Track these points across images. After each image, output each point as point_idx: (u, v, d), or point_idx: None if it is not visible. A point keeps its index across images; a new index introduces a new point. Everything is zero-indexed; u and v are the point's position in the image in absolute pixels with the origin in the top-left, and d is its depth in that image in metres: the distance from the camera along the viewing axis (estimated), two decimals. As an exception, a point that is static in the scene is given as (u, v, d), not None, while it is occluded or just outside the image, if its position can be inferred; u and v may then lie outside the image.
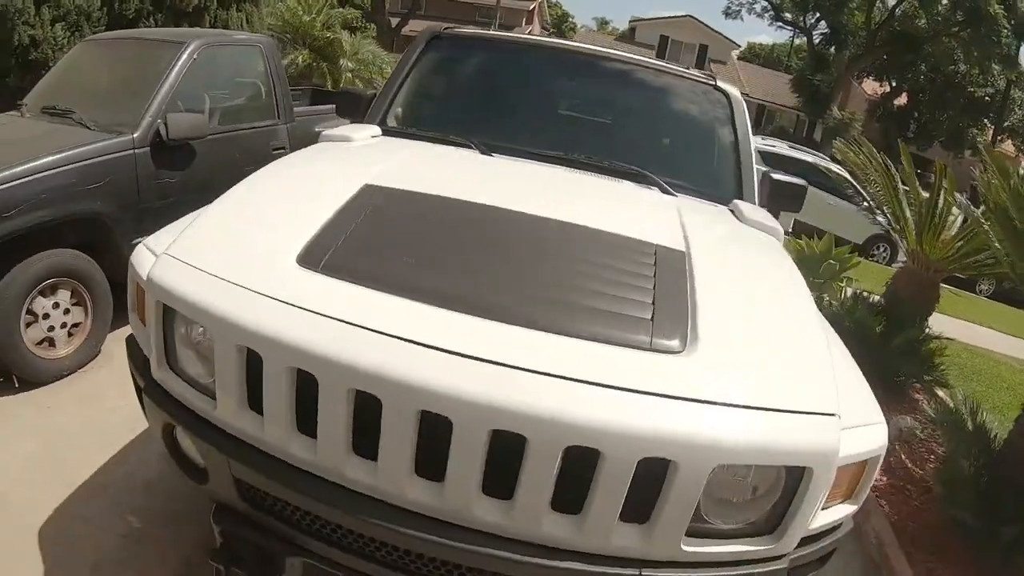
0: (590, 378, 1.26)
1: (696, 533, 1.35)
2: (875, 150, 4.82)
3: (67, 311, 3.22)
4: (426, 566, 1.41)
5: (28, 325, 3.04)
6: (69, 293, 3.22)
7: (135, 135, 3.48)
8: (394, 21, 24.60)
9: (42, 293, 3.09)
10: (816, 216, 8.61)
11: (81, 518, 2.28)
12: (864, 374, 1.64)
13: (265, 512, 1.53)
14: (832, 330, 1.95)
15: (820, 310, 4.34)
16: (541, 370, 1.26)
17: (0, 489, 2.37)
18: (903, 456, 3.62)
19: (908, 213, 4.42)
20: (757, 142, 11.35)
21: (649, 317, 1.47)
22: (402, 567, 1.42)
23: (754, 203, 2.44)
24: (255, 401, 1.39)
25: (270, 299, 1.39)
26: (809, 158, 11.65)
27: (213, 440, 1.48)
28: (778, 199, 2.55)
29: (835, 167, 9.87)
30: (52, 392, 3.07)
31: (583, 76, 2.89)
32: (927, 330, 4.45)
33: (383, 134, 2.64)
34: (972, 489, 2.80)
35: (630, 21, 37.16)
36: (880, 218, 4.88)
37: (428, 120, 2.88)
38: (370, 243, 1.62)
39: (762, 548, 1.40)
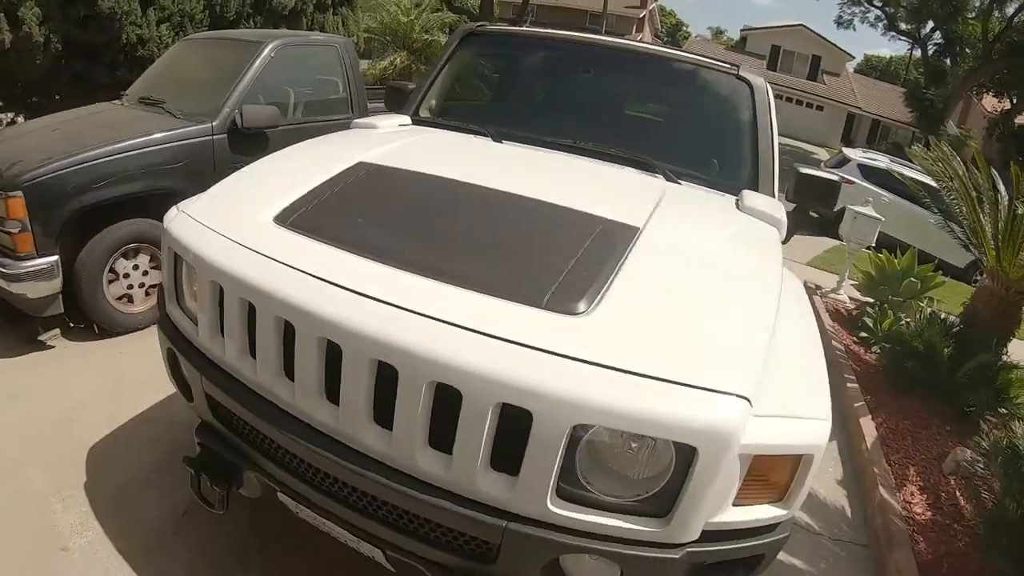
0: (468, 324, 1.33)
1: (573, 498, 1.33)
2: (952, 152, 4.44)
3: (145, 273, 3.65)
4: (333, 485, 1.56)
5: (110, 282, 3.49)
6: (148, 257, 3.64)
7: (214, 123, 3.90)
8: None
9: (124, 255, 3.53)
10: (917, 236, 8.03)
11: (124, 444, 2.66)
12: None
13: (232, 430, 1.76)
14: (815, 332, 1.85)
15: (895, 330, 4.01)
16: (427, 313, 1.36)
17: (69, 410, 2.84)
18: (957, 492, 3.35)
19: (986, 225, 4.04)
20: (857, 155, 10.63)
21: (557, 280, 1.50)
22: (315, 484, 1.59)
23: (772, 195, 2.36)
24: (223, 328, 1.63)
25: (240, 246, 1.63)
26: (911, 173, 10.83)
27: (194, 360, 1.74)
28: (807, 195, 2.46)
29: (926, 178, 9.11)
30: (125, 341, 3.51)
31: (604, 68, 2.92)
32: (1005, 357, 4.06)
33: (413, 123, 2.82)
34: (1017, 535, 2.55)
35: (741, 31, 35.79)
36: (957, 231, 4.49)
37: (455, 110, 3.03)
38: (335, 207, 1.82)
39: (648, 529, 1.33)
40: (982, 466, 3.51)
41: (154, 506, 2.31)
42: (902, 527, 2.76)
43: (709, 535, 1.38)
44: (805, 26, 30.50)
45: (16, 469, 2.44)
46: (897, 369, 4.22)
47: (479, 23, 3.23)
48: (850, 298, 5.85)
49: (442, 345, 1.30)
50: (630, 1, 37.72)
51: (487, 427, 1.28)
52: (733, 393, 1.27)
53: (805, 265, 7.52)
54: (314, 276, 1.48)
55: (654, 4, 39.27)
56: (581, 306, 1.42)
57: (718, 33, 59.06)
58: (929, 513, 3.10)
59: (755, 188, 2.39)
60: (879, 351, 4.63)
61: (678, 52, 2.91)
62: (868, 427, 3.53)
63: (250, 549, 2.18)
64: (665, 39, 40.97)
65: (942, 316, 4.54)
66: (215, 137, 3.91)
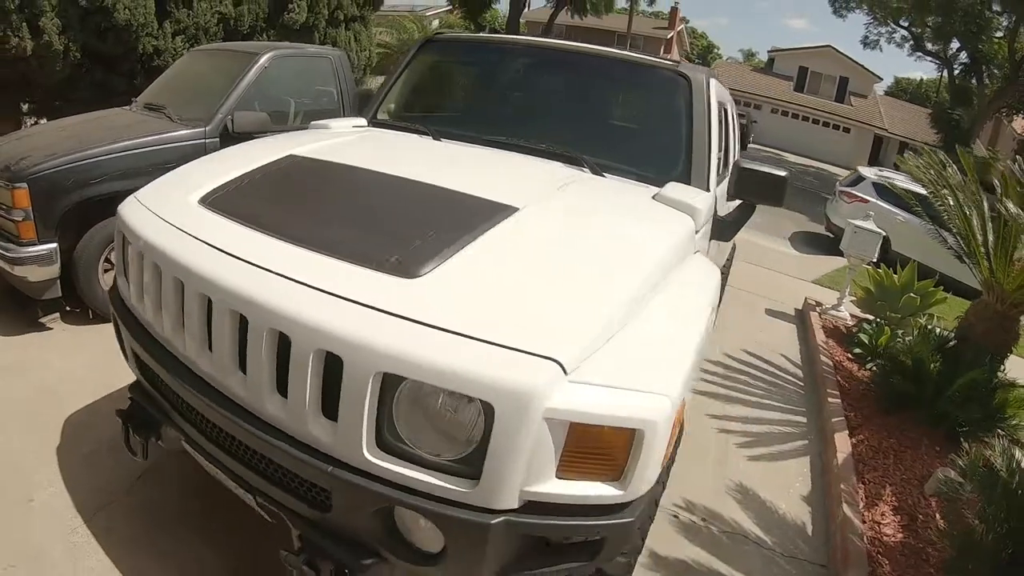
0: (309, 282, 1.47)
1: (394, 451, 1.37)
2: (941, 155, 4.34)
3: (138, 263, 3.84)
4: (212, 431, 1.70)
5: (106, 271, 3.69)
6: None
7: (207, 128, 4.11)
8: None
9: (120, 247, 3.71)
10: (935, 257, 7.77)
11: (101, 414, 2.86)
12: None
13: (153, 386, 1.93)
14: (700, 317, 1.79)
15: (889, 347, 3.85)
16: (279, 271, 1.51)
17: (55, 382, 3.10)
18: (937, 514, 3.23)
19: (977, 232, 3.88)
20: (871, 174, 10.42)
21: (408, 248, 1.59)
22: (203, 431, 1.74)
23: (704, 187, 2.36)
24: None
25: (164, 221, 1.83)
26: (904, 184, 10.52)
27: (127, 322, 1.91)
28: (751, 189, 2.44)
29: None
30: (116, 326, 3.68)
31: (546, 69, 3.03)
32: (1001, 373, 3.91)
33: (369, 125, 2.97)
34: (987, 561, 2.44)
35: (768, 52, 35.59)
36: (950, 240, 4.37)
37: (409, 112, 3.16)
38: (252, 191, 2.02)
39: (460, 489, 1.32)
40: (966, 487, 3.38)
41: (116, 469, 2.52)
42: (860, 547, 2.66)
43: (534, 507, 1.35)
44: (833, 47, 30.17)
45: (-2, 431, 2.68)
46: (886, 386, 4.12)
47: (437, 31, 3.36)
48: (851, 315, 5.72)
49: (279, 296, 1.44)
50: (658, 23, 38.01)
51: (310, 372, 1.37)
52: (541, 355, 1.28)
53: (811, 283, 7.37)
54: (207, 243, 1.67)
55: (682, 25, 39.43)
56: (419, 271, 1.51)
57: (750, 55, 58.81)
58: (901, 535, 2.98)
59: (687, 181, 2.37)
60: (873, 368, 4.51)
61: (620, 52, 2.95)
62: (843, 443, 3.43)
63: (193, 511, 2.38)
64: (696, 61, 40.99)
65: (938, 332, 4.39)
66: (207, 140, 4.10)
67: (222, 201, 1.91)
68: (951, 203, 4.06)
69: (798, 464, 3.38)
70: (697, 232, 2.15)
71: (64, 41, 5.66)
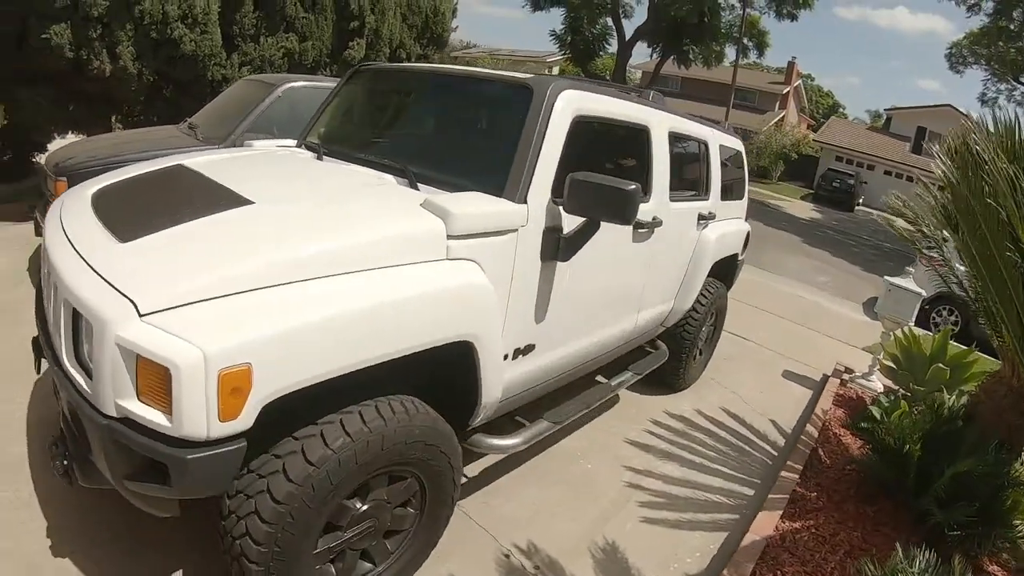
0: (88, 256, 1.84)
1: (81, 362, 1.75)
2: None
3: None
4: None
5: None
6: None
7: (219, 146, 4.52)
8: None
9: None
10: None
11: None
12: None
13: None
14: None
15: (906, 424, 3.30)
16: (75, 244, 1.93)
17: None
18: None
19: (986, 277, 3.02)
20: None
21: (142, 224, 1.93)
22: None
23: (516, 199, 2.21)
24: None
25: (56, 209, 2.31)
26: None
27: None
28: (587, 204, 2.22)
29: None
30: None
31: (418, 91, 3.26)
32: (1013, 467, 3.11)
33: (296, 146, 3.22)
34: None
35: (886, 111, 33.06)
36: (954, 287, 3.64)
37: (325, 134, 3.31)
38: (116, 187, 2.40)
39: (85, 387, 1.69)
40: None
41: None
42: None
43: (126, 421, 1.58)
44: (953, 106, 27.13)
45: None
46: (867, 470, 3.47)
47: (366, 62, 3.65)
48: (884, 387, 4.93)
49: (68, 264, 1.85)
50: (775, 77, 36.51)
51: (62, 313, 1.81)
52: (124, 295, 1.59)
53: (860, 349, 6.46)
54: (65, 230, 2.05)
55: (799, 80, 37.56)
56: (130, 238, 1.85)
57: (876, 116, 54.60)
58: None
59: (499, 193, 2.22)
60: (867, 448, 3.82)
61: (481, 71, 2.94)
62: (765, 524, 2.89)
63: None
64: (821, 120, 38.73)
65: (950, 407, 3.63)
66: (221, 158, 4.59)
67: (98, 197, 2.30)
68: (953, 242, 3.38)
69: (703, 539, 2.88)
70: (459, 236, 2.04)
71: (138, 66, 6.37)
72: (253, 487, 1.71)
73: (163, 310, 1.55)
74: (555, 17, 24.29)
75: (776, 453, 3.84)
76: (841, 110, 48.88)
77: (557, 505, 2.94)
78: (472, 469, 3.08)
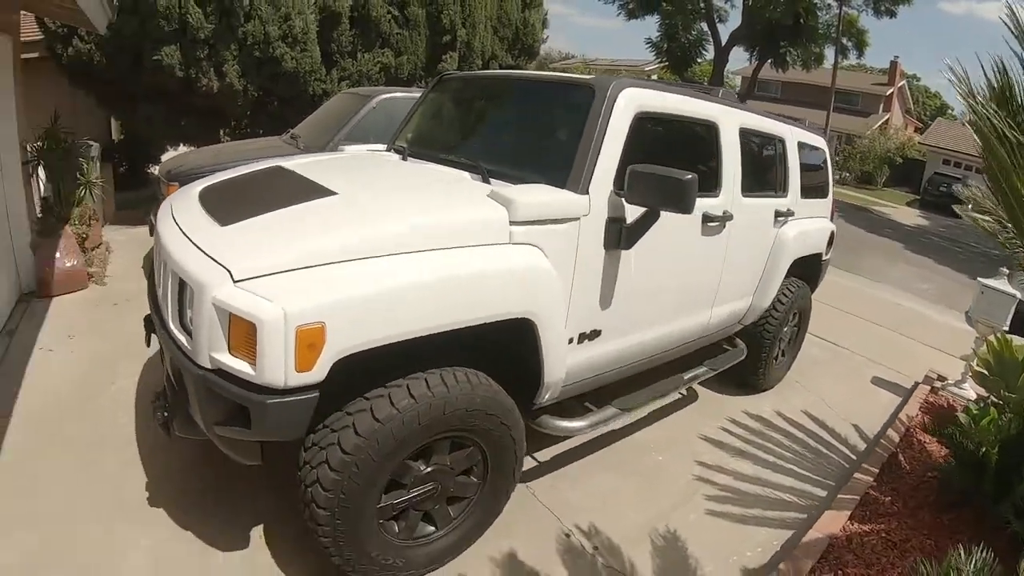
0: (194, 237, 2.13)
1: (187, 329, 1.99)
2: None
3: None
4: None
5: None
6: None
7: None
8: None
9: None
10: None
11: None
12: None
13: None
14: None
15: (985, 428, 3.22)
16: (187, 233, 2.19)
17: None
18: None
19: None
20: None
21: (239, 212, 2.21)
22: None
23: (579, 191, 2.37)
24: None
25: (169, 203, 2.62)
26: None
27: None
28: (647, 194, 2.31)
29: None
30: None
31: (495, 95, 3.43)
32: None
33: (385, 150, 3.54)
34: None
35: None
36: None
37: (411, 138, 3.58)
38: (227, 187, 2.69)
39: (187, 345, 1.95)
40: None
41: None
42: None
43: (218, 372, 1.83)
44: None
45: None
46: (947, 477, 3.30)
47: (450, 71, 3.83)
48: (977, 395, 4.62)
49: (177, 245, 2.14)
50: (878, 78, 34.32)
51: (169, 284, 2.12)
52: (221, 264, 1.86)
53: (959, 358, 6.02)
54: (175, 220, 2.35)
55: (903, 81, 35.07)
56: (229, 223, 2.14)
57: None
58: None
59: (563, 185, 2.37)
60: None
61: (550, 74, 3.09)
62: (830, 523, 2.83)
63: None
64: (928, 123, 36.00)
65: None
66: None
67: (205, 193, 2.60)
68: None
69: (767, 535, 2.85)
70: (521, 222, 2.21)
71: (243, 83, 6.98)
72: (326, 439, 1.94)
73: (253, 277, 1.80)
74: (653, 25, 23.99)
75: (855, 457, 3.71)
76: (950, 111, 45.22)
77: (623, 493, 3.02)
78: (544, 454, 3.22)
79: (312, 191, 2.38)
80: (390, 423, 1.92)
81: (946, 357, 6.02)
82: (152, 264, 2.54)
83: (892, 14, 21.44)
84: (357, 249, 1.92)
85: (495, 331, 2.16)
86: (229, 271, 1.83)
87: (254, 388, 1.78)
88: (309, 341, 1.74)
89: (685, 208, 2.24)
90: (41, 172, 5.53)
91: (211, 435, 1.99)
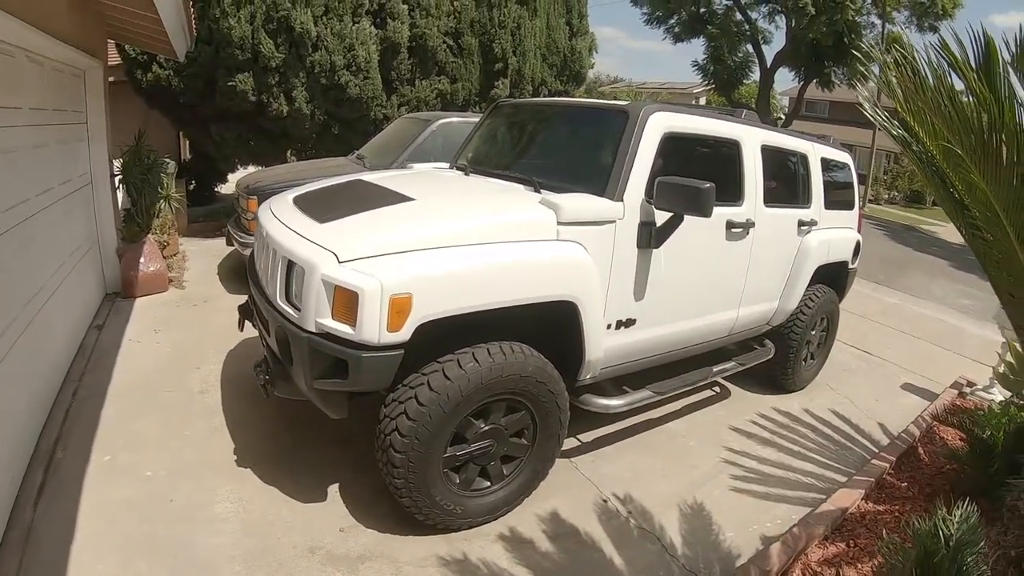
0: (299, 231, 2.65)
1: (290, 300, 2.52)
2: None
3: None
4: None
5: None
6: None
7: None
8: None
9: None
10: None
11: None
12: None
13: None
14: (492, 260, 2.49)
15: (995, 413, 3.51)
16: (291, 226, 2.73)
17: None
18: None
19: None
20: None
21: (331, 213, 2.71)
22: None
23: (614, 198, 2.84)
24: None
25: (269, 206, 3.20)
26: None
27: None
28: (669, 200, 2.75)
29: None
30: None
31: (542, 119, 3.99)
32: None
33: (448, 168, 4.10)
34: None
35: None
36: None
37: (471, 157, 4.09)
38: (318, 195, 3.21)
39: (293, 314, 2.42)
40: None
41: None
42: None
43: (324, 335, 2.30)
44: None
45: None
46: (961, 466, 3.53)
47: (504, 98, 4.37)
48: (1005, 399, 4.77)
49: (284, 237, 2.66)
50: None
51: (279, 268, 2.58)
52: (328, 249, 2.36)
53: (990, 367, 6.12)
54: (278, 219, 2.88)
55: None
56: (326, 221, 2.65)
57: None
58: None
59: (601, 193, 2.84)
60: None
61: (591, 101, 3.62)
62: (844, 499, 3.12)
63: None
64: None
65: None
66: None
67: (300, 199, 3.14)
68: None
69: (786, 510, 3.16)
70: (566, 223, 2.68)
71: (311, 107, 7.68)
72: (404, 395, 2.40)
73: (355, 259, 2.30)
74: (702, 48, 24.27)
75: (877, 451, 3.96)
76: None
77: (655, 469, 3.39)
78: (586, 436, 3.63)
79: (392, 197, 2.89)
80: (458, 380, 2.37)
81: (979, 366, 6.13)
82: (251, 260, 3.05)
83: (934, 29, 21.31)
84: (434, 240, 2.42)
85: (546, 311, 2.60)
86: (335, 254, 2.32)
87: (352, 346, 2.25)
88: (399, 308, 2.22)
89: (704, 212, 2.65)
90: (120, 185, 6.21)
91: (308, 391, 2.43)
